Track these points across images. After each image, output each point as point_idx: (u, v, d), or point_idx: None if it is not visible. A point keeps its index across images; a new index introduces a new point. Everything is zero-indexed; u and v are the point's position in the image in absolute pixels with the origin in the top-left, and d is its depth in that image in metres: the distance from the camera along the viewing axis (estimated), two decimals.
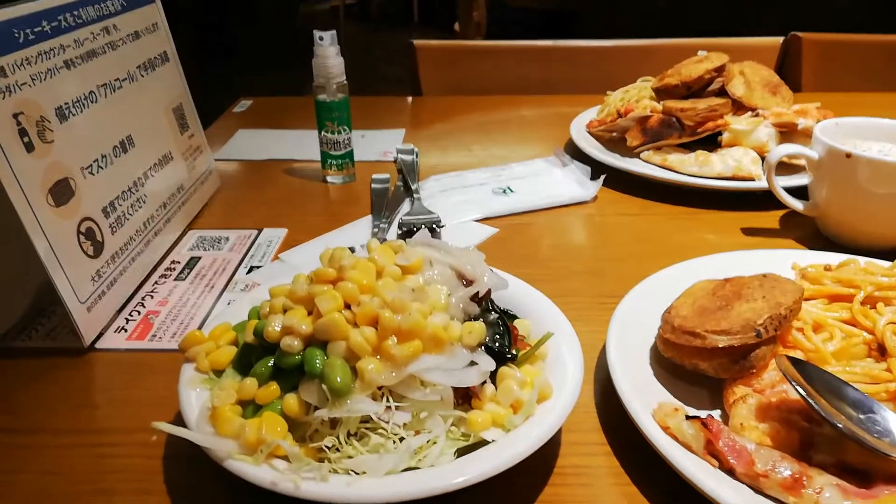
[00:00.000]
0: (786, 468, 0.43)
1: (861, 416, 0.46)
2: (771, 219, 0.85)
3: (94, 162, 0.67)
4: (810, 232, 0.81)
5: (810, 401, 0.45)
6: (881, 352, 0.53)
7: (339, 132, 0.94)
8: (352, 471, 0.42)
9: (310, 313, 0.47)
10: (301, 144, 1.10)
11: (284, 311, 0.48)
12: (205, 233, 0.83)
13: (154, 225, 0.77)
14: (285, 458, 0.42)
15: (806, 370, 0.47)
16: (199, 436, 0.43)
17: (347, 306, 0.46)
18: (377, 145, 1.11)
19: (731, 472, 0.45)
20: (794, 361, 0.47)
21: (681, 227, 0.84)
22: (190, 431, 0.43)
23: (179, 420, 0.45)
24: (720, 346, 0.50)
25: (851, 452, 0.45)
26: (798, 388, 0.45)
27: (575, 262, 0.77)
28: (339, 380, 0.42)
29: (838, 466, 0.45)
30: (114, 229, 0.69)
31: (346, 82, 0.93)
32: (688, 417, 0.47)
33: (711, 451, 0.45)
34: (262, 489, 0.41)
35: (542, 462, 0.50)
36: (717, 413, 0.52)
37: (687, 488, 0.44)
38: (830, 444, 0.46)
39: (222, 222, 0.86)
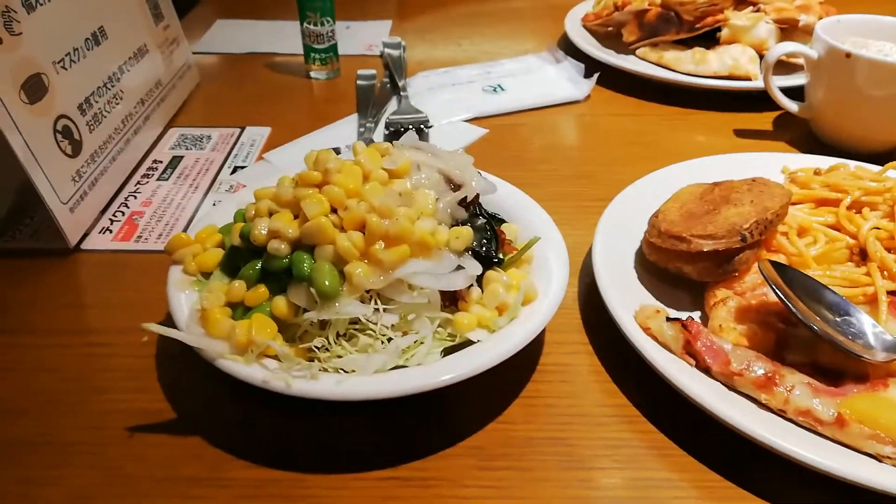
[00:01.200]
0: (760, 367, 0.45)
1: (837, 319, 0.47)
2: (764, 120, 0.83)
3: (65, 56, 0.64)
4: (803, 134, 0.80)
5: (788, 303, 0.46)
6: (862, 256, 0.54)
7: (323, 23, 0.90)
8: (341, 370, 0.43)
9: (296, 217, 0.47)
10: (283, 36, 1.05)
11: (270, 214, 0.47)
12: (186, 131, 0.81)
13: (133, 123, 0.74)
14: (276, 358, 0.43)
15: (786, 274, 0.48)
16: (190, 336, 0.43)
17: (334, 210, 0.46)
18: (362, 38, 1.07)
19: (707, 370, 0.46)
20: (776, 265, 0.48)
21: (674, 127, 0.83)
22: (181, 332, 0.44)
23: (169, 321, 0.45)
24: (705, 250, 0.51)
25: (825, 353, 0.47)
26: (777, 291, 0.46)
27: (565, 166, 0.76)
28: (326, 283, 0.43)
29: (811, 366, 0.47)
30: (91, 127, 0.66)
31: None
32: (668, 319, 0.48)
33: (689, 351, 0.47)
34: (254, 387, 0.42)
35: (525, 360, 0.51)
36: (697, 315, 0.53)
37: (663, 386, 0.46)
38: (805, 345, 0.48)
39: (204, 120, 0.83)
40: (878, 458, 0.41)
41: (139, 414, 0.47)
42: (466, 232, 0.48)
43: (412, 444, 0.45)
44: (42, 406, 0.48)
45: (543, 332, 0.54)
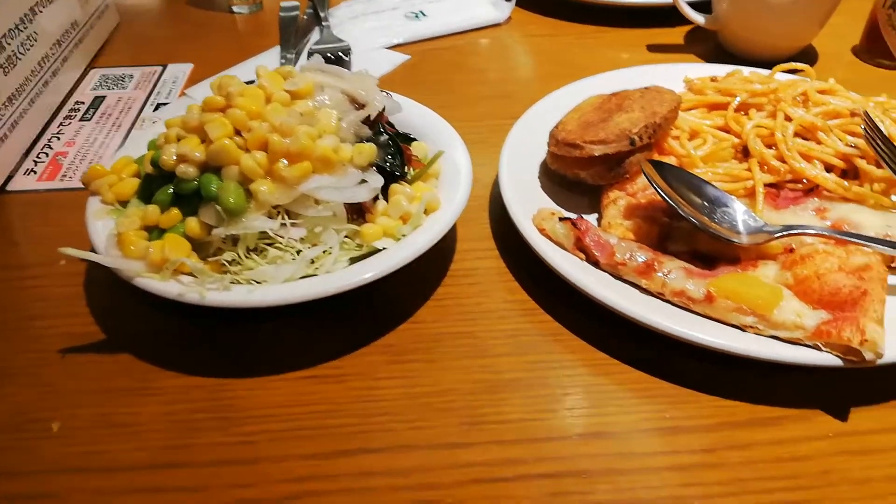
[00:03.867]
0: (641, 256, 0.49)
1: (715, 210, 0.52)
2: (676, 35, 0.86)
3: None
4: (712, 47, 0.83)
5: (665, 197, 0.50)
6: (745, 154, 0.58)
7: None
8: (253, 280, 0.46)
9: (203, 141, 0.49)
10: None
11: (179, 140, 0.49)
12: (107, 71, 0.81)
13: (50, 64, 0.74)
14: (192, 275, 0.46)
15: (668, 171, 0.52)
16: (106, 258, 0.46)
17: (239, 133, 0.48)
18: None
19: (595, 263, 0.51)
20: (657, 164, 0.52)
21: (589, 45, 0.85)
22: (98, 255, 0.46)
23: (92, 250, 0.48)
24: (596, 154, 0.54)
25: (702, 242, 0.51)
26: (655, 186, 0.50)
27: (485, 87, 0.78)
28: (231, 200, 0.45)
29: (691, 254, 0.51)
30: (6, 70, 0.66)
31: None
32: (561, 219, 0.52)
33: (580, 247, 0.51)
34: (178, 304, 0.45)
35: (436, 266, 0.55)
36: (594, 217, 0.57)
37: (558, 279, 0.50)
38: (685, 235, 0.52)
39: (125, 60, 0.83)
40: (742, 328, 0.46)
41: (71, 337, 0.50)
42: (369, 148, 0.50)
43: (328, 347, 0.49)
44: None
45: (455, 240, 0.58)
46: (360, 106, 0.53)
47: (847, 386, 0.46)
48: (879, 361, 0.43)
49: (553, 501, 0.40)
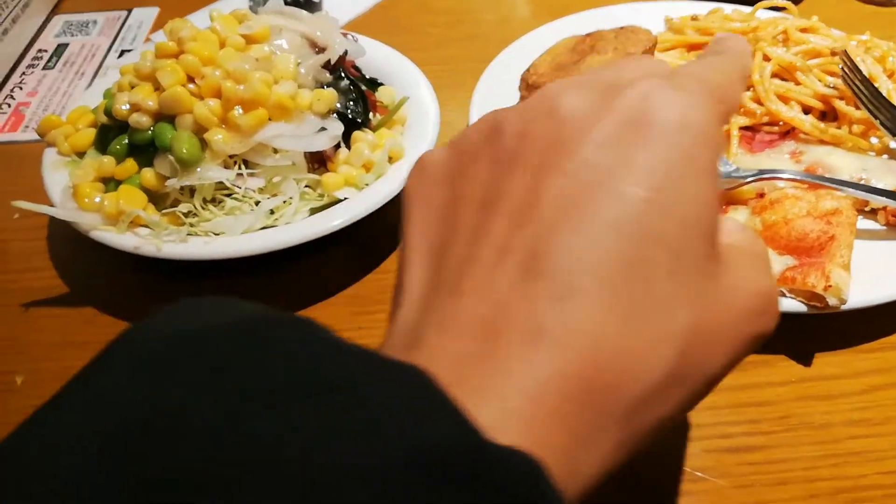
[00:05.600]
0: None
1: None
2: None
3: None
4: None
5: None
6: None
7: None
8: (210, 232, 0.45)
9: (157, 89, 0.47)
10: None
11: (132, 87, 0.48)
12: (71, 17, 0.78)
13: (9, 11, 0.72)
14: (149, 227, 0.45)
15: None
16: (61, 211, 0.45)
17: (192, 79, 0.47)
18: None
19: None
20: None
21: None
22: (52, 208, 0.45)
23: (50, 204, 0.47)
24: None
25: None
26: None
27: (459, 28, 0.76)
28: (185, 150, 0.44)
29: None
30: None
31: None
32: None
33: None
34: (140, 257, 0.44)
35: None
36: None
37: None
38: None
39: (89, 4, 0.80)
40: None
41: (34, 291, 0.50)
42: (329, 94, 0.49)
43: (295, 298, 0.49)
44: None
45: None
46: (321, 50, 0.51)
47: (814, 332, 0.46)
48: (844, 307, 0.42)
49: None
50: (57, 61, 0.71)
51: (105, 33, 0.75)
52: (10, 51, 0.71)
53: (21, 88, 0.68)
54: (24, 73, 0.70)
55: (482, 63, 0.65)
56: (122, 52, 0.72)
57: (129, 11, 0.78)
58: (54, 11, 0.79)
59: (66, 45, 0.74)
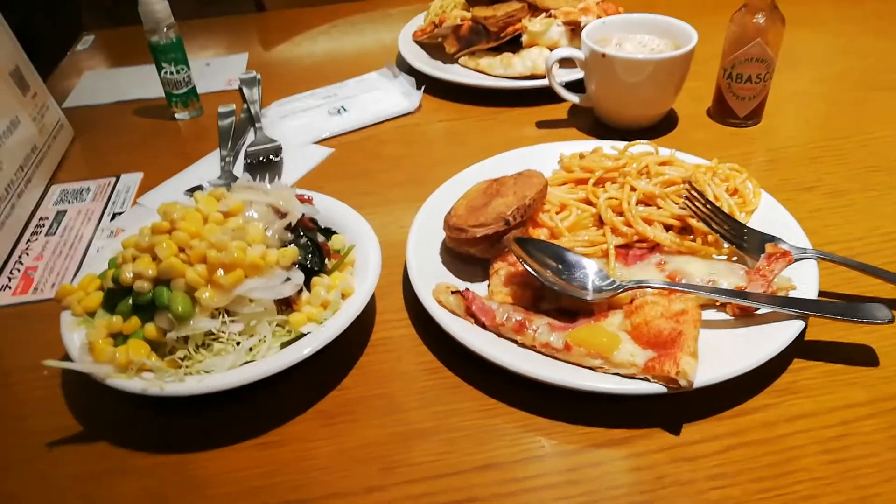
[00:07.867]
0: (516, 316, 0.62)
1: (574, 272, 0.65)
2: (561, 111, 1.01)
3: None
4: (590, 120, 0.98)
5: (528, 267, 0.62)
6: (601, 222, 0.72)
7: (178, 71, 1.01)
8: (203, 371, 0.57)
9: (154, 259, 0.60)
10: (149, 81, 1.14)
11: (134, 259, 0.60)
12: (67, 186, 0.92)
13: (16, 188, 0.85)
14: (152, 371, 0.57)
15: (531, 244, 0.65)
16: (81, 365, 0.56)
17: (183, 250, 0.60)
18: (222, 74, 1.18)
19: (483, 326, 0.63)
20: (522, 241, 0.65)
21: (488, 126, 0.99)
22: (74, 363, 0.57)
23: (66, 357, 0.58)
24: (478, 235, 0.67)
25: (565, 299, 0.64)
26: (521, 260, 0.63)
27: (399, 173, 0.91)
28: (180, 309, 0.56)
29: (558, 310, 0.64)
30: None
31: (174, 23, 0.99)
32: (453, 292, 0.64)
33: (469, 313, 0.63)
34: (141, 396, 0.55)
35: (358, 338, 0.67)
36: (486, 284, 0.70)
37: (455, 341, 0.62)
38: (552, 295, 0.65)
39: (82, 174, 0.94)
40: (594, 369, 0.58)
41: (53, 431, 0.60)
42: (291, 251, 0.62)
43: (271, 418, 0.60)
44: None
45: (374, 312, 0.70)
46: (283, 215, 0.65)
47: (681, 406, 0.59)
48: (695, 385, 0.55)
49: None
50: (58, 227, 0.84)
51: (98, 199, 0.88)
52: (16, 222, 0.83)
53: (28, 254, 0.80)
54: (29, 240, 0.82)
55: (419, 203, 0.79)
56: (115, 215, 0.85)
57: (118, 178, 0.92)
58: (52, 181, 0.93)
59: (65, 211, 0.87)
